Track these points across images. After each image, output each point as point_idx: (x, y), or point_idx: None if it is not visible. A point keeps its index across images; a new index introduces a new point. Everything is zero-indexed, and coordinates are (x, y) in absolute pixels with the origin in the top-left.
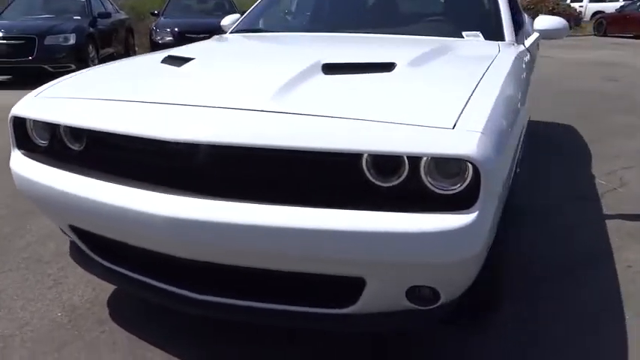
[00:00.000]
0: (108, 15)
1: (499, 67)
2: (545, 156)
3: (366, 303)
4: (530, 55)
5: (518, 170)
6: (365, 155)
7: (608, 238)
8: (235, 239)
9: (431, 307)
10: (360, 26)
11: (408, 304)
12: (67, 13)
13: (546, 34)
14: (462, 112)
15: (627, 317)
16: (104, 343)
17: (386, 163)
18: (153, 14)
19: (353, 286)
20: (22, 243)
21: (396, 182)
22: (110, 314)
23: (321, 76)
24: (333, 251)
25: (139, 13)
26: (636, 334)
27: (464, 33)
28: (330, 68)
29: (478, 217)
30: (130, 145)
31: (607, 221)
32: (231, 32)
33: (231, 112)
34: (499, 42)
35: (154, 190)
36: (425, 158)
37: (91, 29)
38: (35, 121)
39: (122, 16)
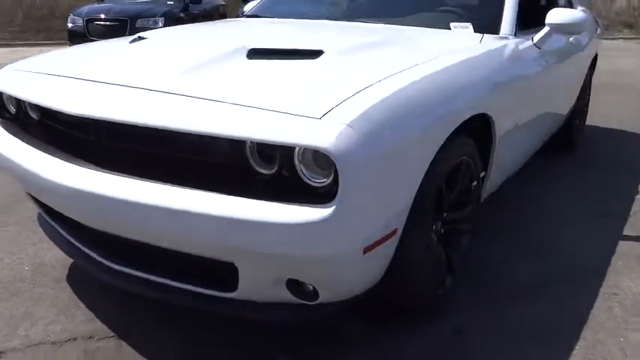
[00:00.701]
0: (199, 1)
1: (445, 61)
2: (592, 167)
3: (246, 289)
4: (543, 51)
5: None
6: (248, 142)
7: (611, 259)
8: (117, 213)
9: (313, 302)
10: (353, 15)
11: (291, 297)
12: None
13: (560, 29)
14: (340, 103)
15: (578, 347)
16: (47, 298)
17: (266, 150)
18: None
19: (229, 271)
20: (32, 204)
21: (273, 171)
22: (67, 275)
23: (242, 60)
24: (199, 233)
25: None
26: None
27: (452, 24)
28: (255, 53)
29: (335, 212)
30: (55, 117)
31: (622, 242)
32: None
33: (126, 90)
34: (488, 35)
35: (66, 160)
36: (297, 148)
37: (182, 14)
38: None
39: (218, 1)
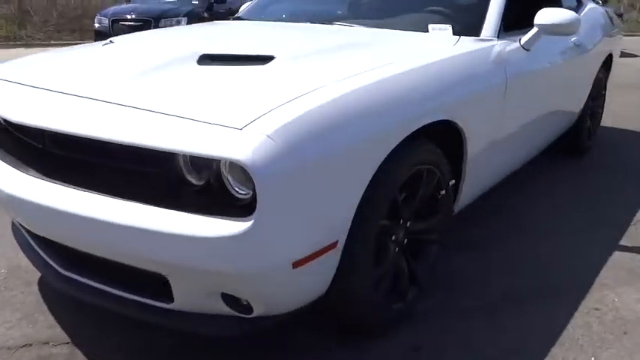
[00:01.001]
0: (223, 1)
1: (404, 65)
2: (598, 171)
3: (183, 301)
4: (532, 54)
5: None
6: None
7: (599, 271)
8: (52, 221)
9: (250, 315)
10: (335, 17)
11: (228, 309)
12: None
13: (549, 30)
14: (266, 114)
15: None
16: (14, 302)
17: (197, 161)
18: None
19: (163, 283)
20: None
21: (204, 182)
22: (39, 280)
23: (190, 66)
24: (123, 245)
25: None
26: None
27: (430, 26)
28: (206, 59)
29: (254, 226)
30: (9, 124)
31: (617, 253)
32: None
33: (64, 98)
34: (466, 37)
35: (15, 166)
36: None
37: (205, 14)
38: None
39: (244, 0)
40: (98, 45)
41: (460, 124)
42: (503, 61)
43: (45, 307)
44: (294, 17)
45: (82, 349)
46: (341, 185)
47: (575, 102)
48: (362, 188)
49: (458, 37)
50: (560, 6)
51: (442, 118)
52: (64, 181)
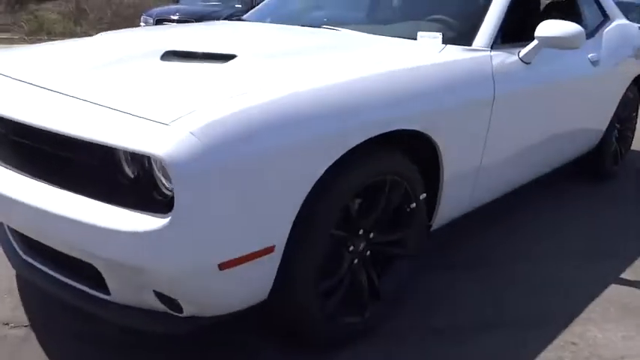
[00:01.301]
0: None
1: (370, 70)
2: (623, 200)
3: (118, 294)
4: (533, 68)
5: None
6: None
7: (589, 304)
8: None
9: (182, 314)
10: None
11: (163, 307)
12: (233, 1)
13: (550, 43)
14: (197, 110)
15: None
16: None
17: (134, 155)
18: None
19: (97, 274)
20: None
21: (136, 176)
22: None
23: (151, 61)
24: (56, 233)
25: None
26: None
27: (419, 34)
28: (170, 55)
29: (170, 224)
30: None
31: (615, 285)
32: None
33: (26, 87)
34: (453, 46)
35: None
36: None
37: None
38: None
39: None
40: (89, 38)
41: (433, 137)
42: (492, 73)
43: (15, 289)
44: (291, 20)
45: (38, 333)
46: (277, 188)
47: (594, 123)
48: (303, 193)
49: (444, 45)
50: (581, 20)
51: (410, 128)
52: (12, 166)
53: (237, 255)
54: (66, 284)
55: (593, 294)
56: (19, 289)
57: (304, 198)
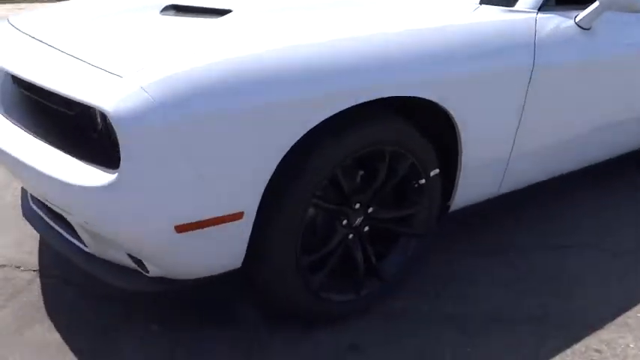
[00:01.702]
0: None
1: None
2: None
3: (93, 247)
4: (593, 35)
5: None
6: None
7: (629, 308)
8: None
9: (148, 274)
10: None
11: (134, 265)
12: None
13: (616, 5)
14: (154, 65)
15: None
16: (11, 226)
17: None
18: None
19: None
20: None
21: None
22: None
23: (147, 14)
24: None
25: None
26: None
27: None
28: (169, 9)
29: (117, 180)
30: None
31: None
32: None
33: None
34: (492, 6)
35: None
36: None
37: None
38: None
39: None
40: None
41: (451, 110)
42: (534, 39)
43: (36, 234)
44: None
45: (43, 279)
46: (243, 154)
47: None
48: (275, 158)
49: (478, 5)
50: None
51: (422, 96)
52: (8, 115)
53: (197, 219)
54: (57, 232)
55: (635, 297)
56: (39, 235)
57: (278, 162)
